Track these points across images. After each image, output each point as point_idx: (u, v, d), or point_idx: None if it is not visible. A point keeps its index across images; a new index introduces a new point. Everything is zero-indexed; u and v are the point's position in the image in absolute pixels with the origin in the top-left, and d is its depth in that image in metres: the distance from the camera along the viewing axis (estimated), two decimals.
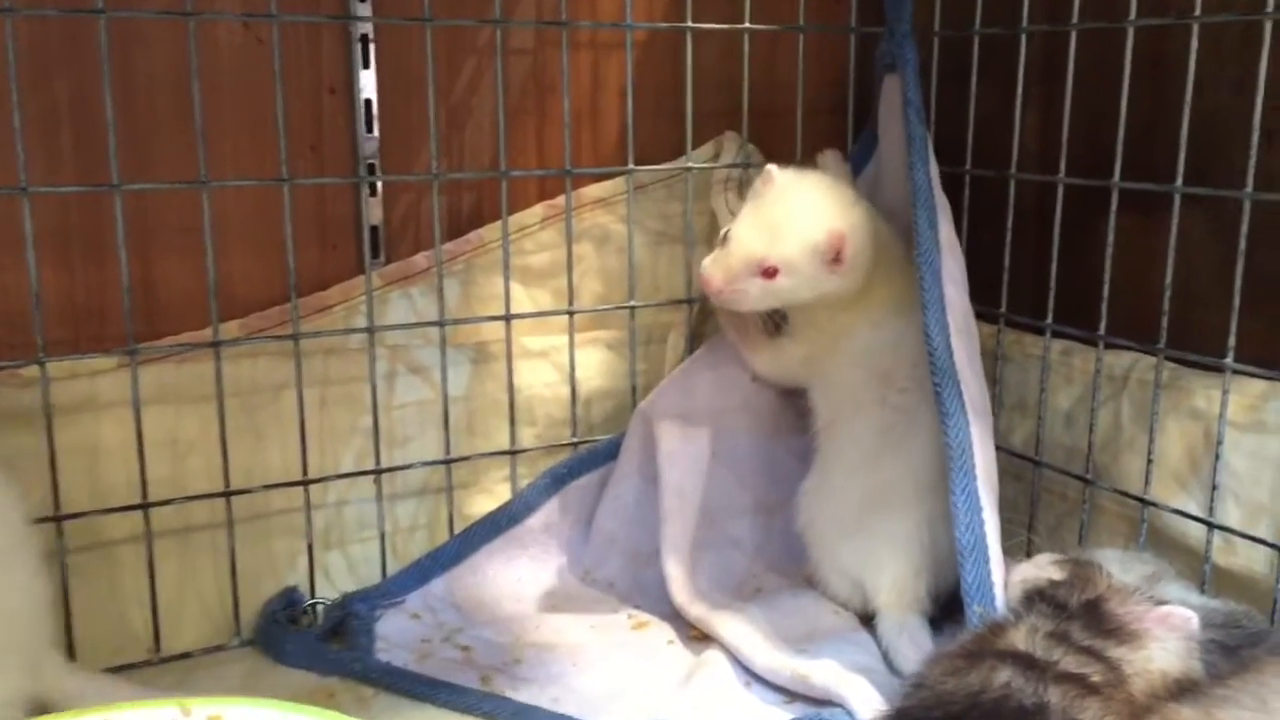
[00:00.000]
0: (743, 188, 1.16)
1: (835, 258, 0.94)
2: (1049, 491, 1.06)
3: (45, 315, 0.89)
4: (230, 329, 0.98)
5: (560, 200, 1.11)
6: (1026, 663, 0.64)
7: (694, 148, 1.13)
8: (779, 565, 1.03)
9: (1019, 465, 1.07)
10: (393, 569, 1.04)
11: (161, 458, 0.95)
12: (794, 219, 0.94)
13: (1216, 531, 0.90)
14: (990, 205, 1.08)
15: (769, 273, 0.94)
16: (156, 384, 0.95)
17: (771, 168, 0.97)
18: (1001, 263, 1.07)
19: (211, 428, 0.96)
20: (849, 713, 0.77)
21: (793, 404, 1.06)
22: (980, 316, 1.01)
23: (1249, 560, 0.89)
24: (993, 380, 1.08)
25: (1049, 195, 1.01)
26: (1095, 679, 0.64)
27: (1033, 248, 1.06)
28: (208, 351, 0.95)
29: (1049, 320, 1.03)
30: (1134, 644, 0.67)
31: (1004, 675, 0.63)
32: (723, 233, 0.98)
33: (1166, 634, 0.68)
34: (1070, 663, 0.64)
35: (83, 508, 0.91)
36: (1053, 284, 1.02)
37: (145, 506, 0.93)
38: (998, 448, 1.04)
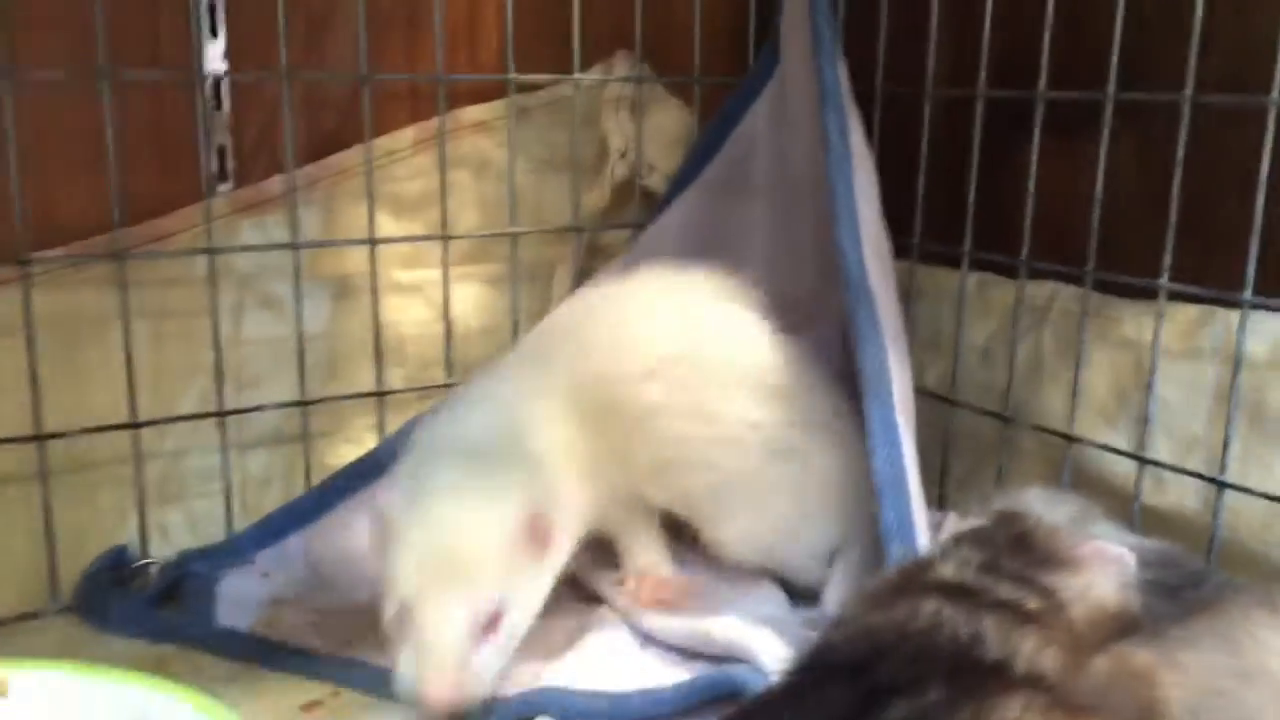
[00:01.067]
0: (636, 108, 1.06)
1: (540, 540, 0.71)
2: (964, 435, 0.98)
3: None
4: (44, 262, 0.85)
5: (434, 123, 1.00)
6: (957, 592, 0.56)
7: (582, 70, 1.03)
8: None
9: (932, 407, 0.99)
10: (240, 526, 0.92)
11: None
12: (458, 536, 0.69)
13: (1147, 468, 0.83)
14: (902, 129, 1.00)
15: (491, 624, 0.68)
16: None
17: (383, 505, 0.72)
18: (914, 190, 1.00)
19: (23, 364, 0.83)
20: (755, 667, 0.68)
21: None
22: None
23: (1179, 498, 0.83)
24: (904, 316, 1.00)
25: (965, 117, 0.94)
26: (1032, 606, 0.56)
27: (946, 175, 0.98)
28: (19, 277, 0.82)
29: (966, 247, 0.95)
30: (1069, 571, 0.59)
31: (933, 605, 0.55)
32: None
33: (1102, 565, 0.61)
34: (1004, 590, 0.56)
35: None
36: (970, 209, 0.94)
37: None
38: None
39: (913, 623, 0.54)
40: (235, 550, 0.89)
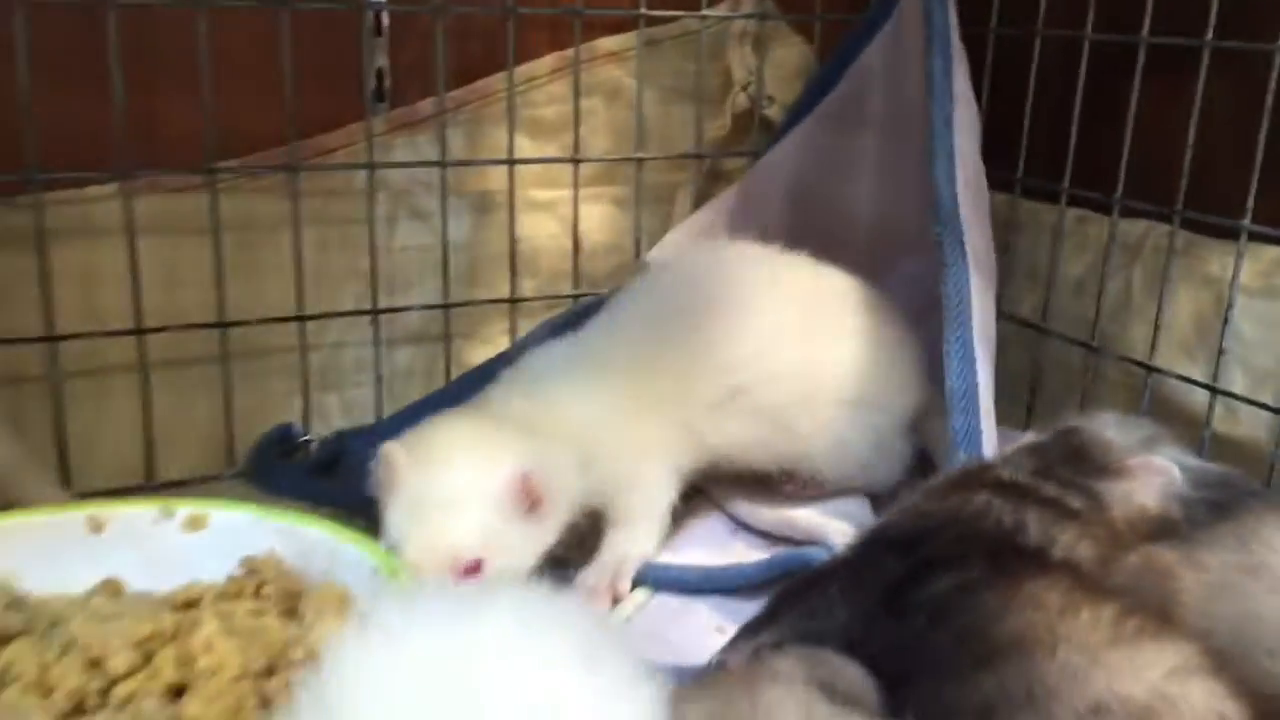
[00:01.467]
0: (759, 43, 1.13)
1: (530, 502, 0.74)
2: (1053, 362, 1.04)
3: (41, 137, 0.88)
4: (225, 175, 0.97)
5: (570, 52, 1.08)
6: (1008, 488, 0.63)
7: (710, 6, 1.10)
8: None
9: (1025, 335, 1.05)
10: (388, 412, 1.04)
11: (157, 287, 0.95)
12: (445, 486, 0.73)
13: (1220, 399, 0.88)
14: (1011, 70, 1.05)
15: (471, 570, 0.72)
16: (153, 214, 0.94)
17: (388, 449, 0.76)
18: (1019, 128, 1.04)
19: (208, 262, 0.95)
20: (828, 548, 0.76)
21: None
22: (995, 184, 0.98)
23: (1252, 428, 0.88)
24: (1005, 248, 1.06)
25: (1072, 59, 0.98)
26: (1075, 505, 0.63)
27: (1050, 114, 1.02)
28: (205, 184, 0.94)
29: (1065, 184, 1.00)
30: (1115, 478, 0.66)
31: (984, 497, 0.62)
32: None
33: (1148, 475, 0.67)
34: (1052, 489, 0.63)
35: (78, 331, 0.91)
36: (1071, 147, 0.99)
37: (140, 332, 0.92)
38: (1006, 315, 1.03)
39: (963, 510, 0.62)
40: (383, 432, 1.01)
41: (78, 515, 0.64)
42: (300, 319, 0.98)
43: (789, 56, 1.15)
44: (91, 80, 0.91)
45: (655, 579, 0.78)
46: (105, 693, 0.51)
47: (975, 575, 0.59)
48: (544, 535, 0.75)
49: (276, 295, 0.99)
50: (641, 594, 0.77)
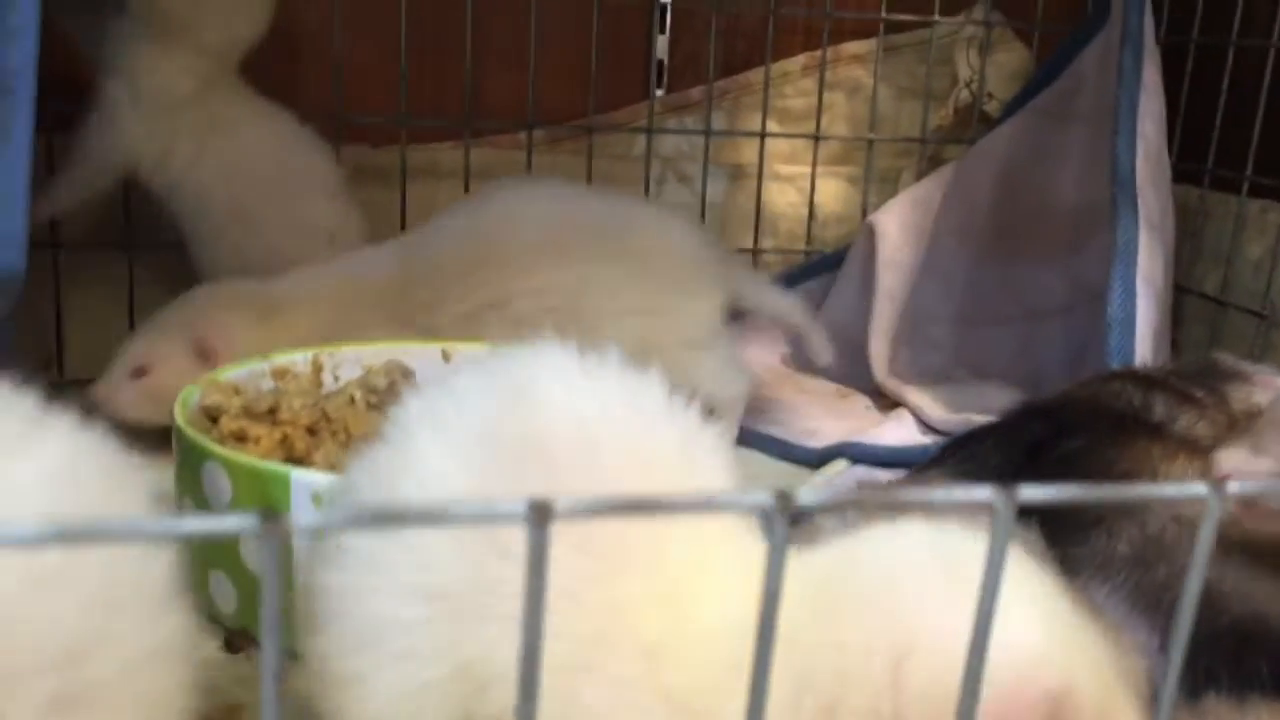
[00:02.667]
0: (983, 48, 1.31)
1: (205, 355, 0.89)
2: (1232, 333, 1.17)
3: (409, 97, 1.15)
4: (537, 134, 1.23)
5: (820, 53, 1.29)
6: (1141, 379, 0.79)
7: (944, 15, 1.29)
8: (972, 365, 1.18)
9: (1208, 309, 1.18)
10: None
11: None
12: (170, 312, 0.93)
13: None
14: (1205, 74, 1.19)
15: (139, 372, 0.91)
16: (482, 163, 1.21)
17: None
18: (1211, 126, 1.18)
19: None
20: None
21: (1003, 234, 1.21)
22: (1187, 177, 1.13)
23: None
24: (1194, 234, 1.19)
25: (1259, 65, 1.12)
26: (1199, 395, 0.78)
27: (1237, 112, 1.16)
28: (521, 142, 1.20)
29: (1248, 174, 1.14)
30: (1240, 383, 0.80)
31: (1119, 384, 0.78)
32: None
33: (1271, 387, 0.81)
34: (1181, 384, 0.78)
35: None
36: (1254, 143, 1.13)
37: None
38: (1192, 291, 1.17)
39: (1101, 391, 0.79)
40: None
41: (434, 347, 0.88)
42: None
43: (1010, 59, 1.32)
44: (448, 56, 1.19)
45: (852, 453, 0.97)
46: None
47: (1101, 437, 0.76)
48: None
49: None
50: (841, 463, 0.96)
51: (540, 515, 0.27)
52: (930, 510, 0.31)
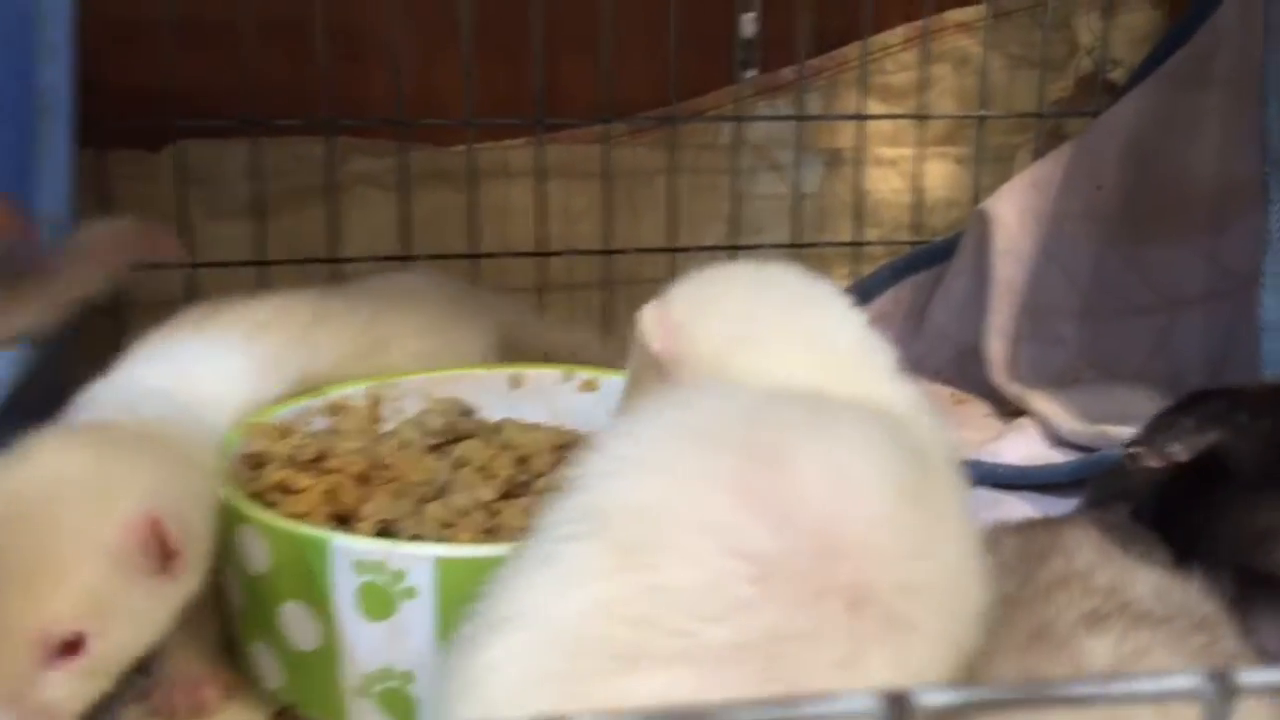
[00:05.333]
0: (1106, 10, 1.18)
1: (163, 555, 0.54)
2: None
3: (473, 99, 1.07)
4: (618, 126, 1.14)
5: (922, 22, 1.18)
6: None
7: None
8: (1102, 363, 1.07)
9: None
10: None
11: (556, 221, 1.13)
12: (32, 531, 0.52)
13: None
14: None
15: (70, 649, 0.51)
16: (556, 161, 1.13)
17: None
18: None
19: (598, 201, 1.12)
20: None
21: (1134, 215, 1.09)
22: None
23: None
24: None
25: None
26: None
27: None
28: (600, 136, 1.11)
29: None
30: None
31: None
32: None
33: None
34: None
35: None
36: None
37: (542, 254, 1.11)
38: None
39: None
40: None
41: (502, 373, 0.81)
42: (671, 250, 1.14)
43: (1137, 21, 1.19)
44: (517, 47, 1.11)
45: (973, 474, 0.86)
46: (528, 483, 0.67)
47: None
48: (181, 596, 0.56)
49: (651, 232, 1.15)
50: None
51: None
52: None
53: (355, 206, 1.09)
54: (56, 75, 0.83)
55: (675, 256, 1.14)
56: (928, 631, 0.43)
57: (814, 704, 0.21)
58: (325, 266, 1.06)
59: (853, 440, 0.46)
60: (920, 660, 0.43)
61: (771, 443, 0.45)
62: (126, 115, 1.00)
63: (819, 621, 0.41)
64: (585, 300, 1.15)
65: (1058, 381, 1.04)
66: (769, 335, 0.57)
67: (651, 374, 0.60)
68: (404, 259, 1.07)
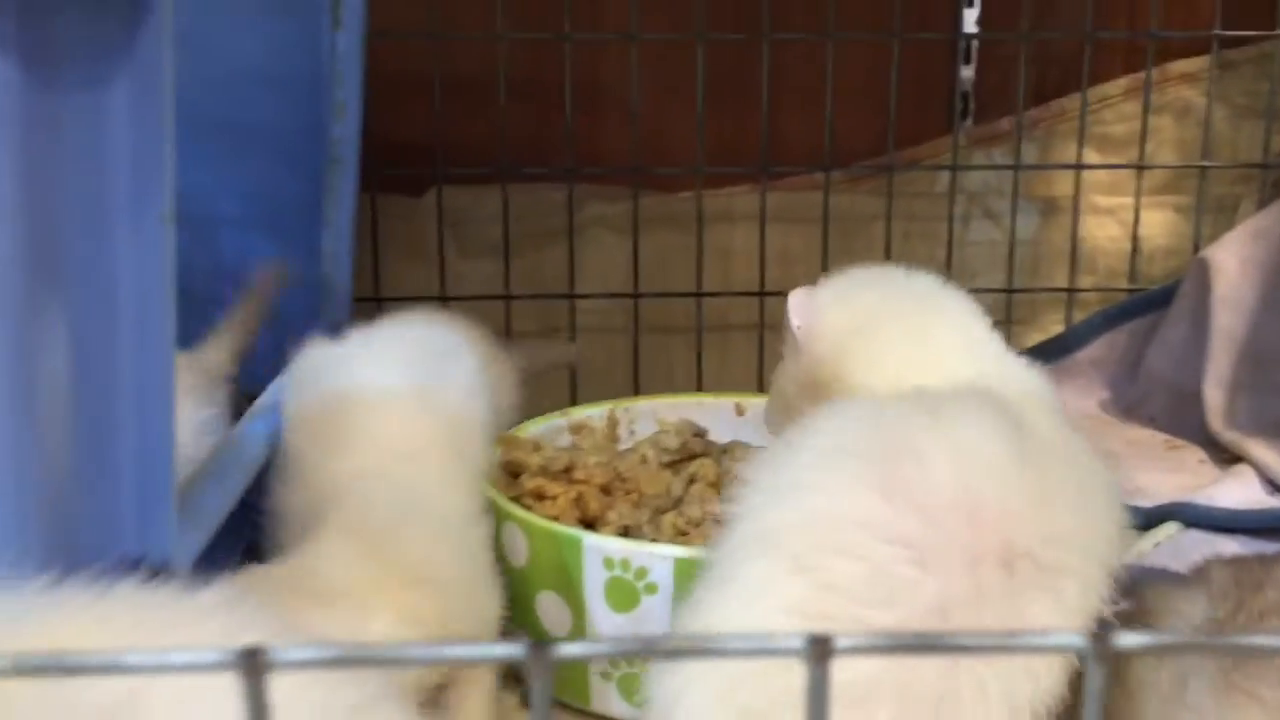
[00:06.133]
0: None
1: None
2: None
3: (707, 146, 1.15)
4: (836, 174, 1.19)
5: (1143, 74, 1.19)
6: None
7: None
8: None
9: None
10: None
11: (775, 264, 1.19)
12: None
13: None
14: None
15: None
16: (776, 206, 1.19)
17: None
18: None
19: (816, 245, 1.18)
20: None
21: None
22: None
23: None
24: None
25: None
26: None
27: None
28: (818, 183, 1.17)
29: None
30: None
31: None
32: None
33: None
34: None
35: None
36: None
37: (762, 294, 1.17)
38: None
39: None
40: None
41: (728, 401, 0.88)
42: None
43: None
44: (744, 100, 1.18)
45: (1186, 515, 0.88)
46: None
47: None
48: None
49: None
50: (1172, 527, 0.88)
51: (819, 651, 0.25)
52: None
53: (590, 247, 1.18)
54: (346, 130, 0.95)
55: None
56: (1077, 574, 0.48)
57: (1027, 638, 0.26)
58: (563, 301, 1.15)
59: (969, 425, 0.53)
60: (1075, 602, 0.48)
61: (903, 443, 0.52)
62: (394, 164, 1.12)
63: (978, 585, 0.47)
64: None
65: (1276, 430, 1.03)
66: (884, 331, 0.65)
67: (793, 369, 0.66)
68: (634, 296, 1.16)
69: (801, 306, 0.67)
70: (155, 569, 0.44)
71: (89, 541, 0.49)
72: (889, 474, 0.50)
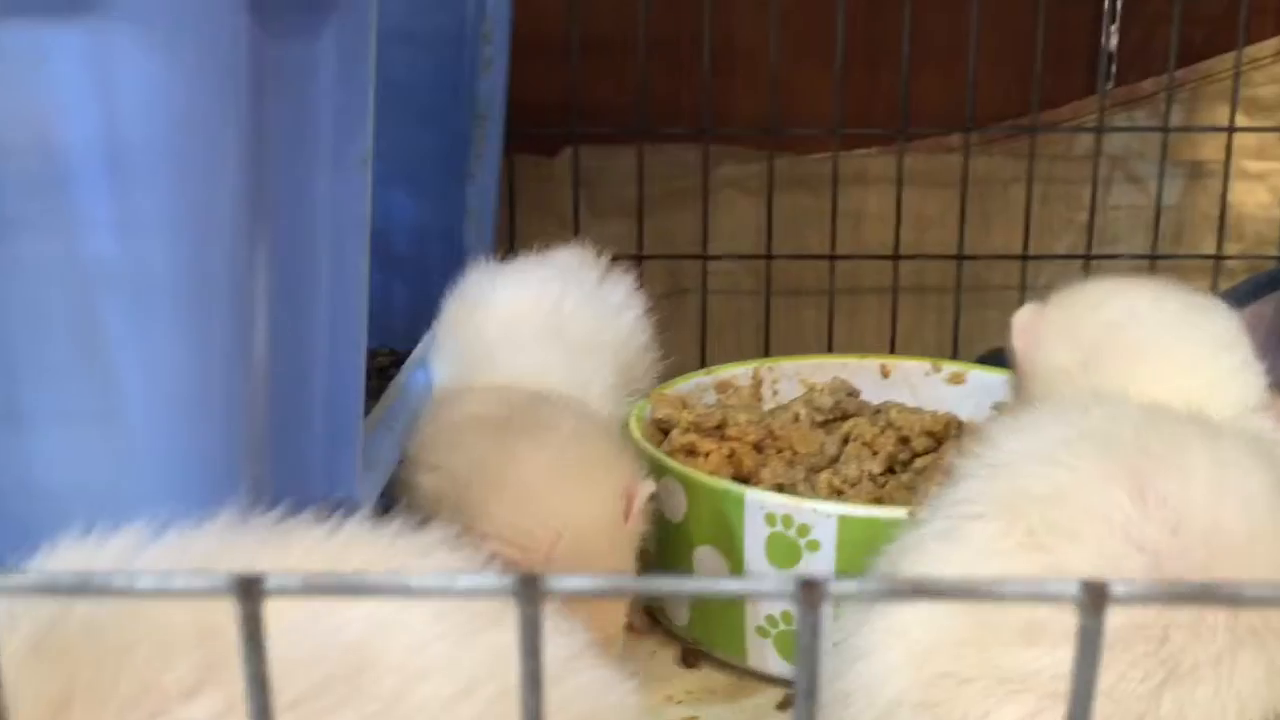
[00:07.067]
0: None
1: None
2: None
3: (846, 105, 1.14)
4: (974, 135, 1.17)
5: None
6: None
7: None
8: None
9: None
10: None
11: (908, 228, 1.18)
12: None
13: None
14: None
15: None
16: (911, 169, 1.17)
17: None
18: None
19: (951, 209, 1.16)
20: None
21: None
22: None
23: None
24: None
25: None
26: None
27: None
28: (952, 145, 1.15)
29: None
30: None
31: None
32: None
33: None
34: None
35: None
36: None
37: (896, 258, 1.16)
38: None
39: None
40: None
41: (874, 362, 0.87)
42: (1023, 258, 1.17)
43: None
44: (882, 60, 1.17)
45: None
46: (908, 462, 0.72)
47: None
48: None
49: (1002, 240, 1.18)
50: None
51: (1095, 598, 0.25)
52: None
53: (723, 208, 1.18)
54: (493, 86, 0.96)
55: (1026, 264, 1.17)
56: None
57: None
58: (695, 263, 1.15)
59: (1238, 459, 0.51)
60: None
61: (1165, 451, 0.50)
62: (531, 123, 1.13)
63: (1203, 616, 0.45)
64: (936, 303, 1.19)
65: None
66: (1108, 370, 0.61)
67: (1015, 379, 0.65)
68: (766, 258, 1.15)
69: (1026, 331, 0.64)
70: (348, 510, 0.46)
71: (283, 485, 0.50)
72: (1147, 478, 0.48)
